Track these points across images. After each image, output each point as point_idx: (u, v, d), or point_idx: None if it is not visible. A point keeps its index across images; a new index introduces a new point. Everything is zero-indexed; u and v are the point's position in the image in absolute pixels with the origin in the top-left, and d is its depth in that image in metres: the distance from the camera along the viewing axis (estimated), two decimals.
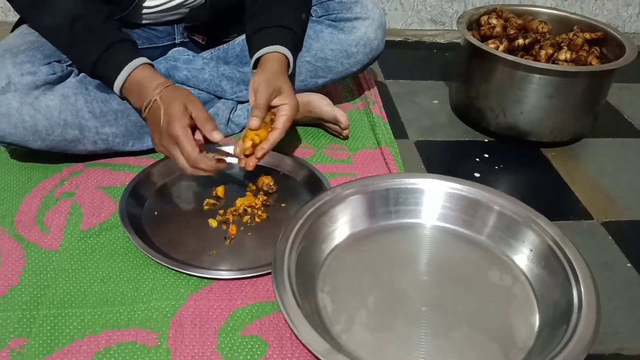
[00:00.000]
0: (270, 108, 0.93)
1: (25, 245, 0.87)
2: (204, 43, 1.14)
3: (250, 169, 0.91)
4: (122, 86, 0.93)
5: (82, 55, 0.94)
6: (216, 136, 0.87)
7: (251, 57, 0.99)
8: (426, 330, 0.76)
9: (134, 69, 0.91)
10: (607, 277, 0.91)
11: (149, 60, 0.94)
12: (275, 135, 0.91)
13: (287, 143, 1.14)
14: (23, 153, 1.04)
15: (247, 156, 0.91)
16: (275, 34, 0.99)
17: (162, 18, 1.08)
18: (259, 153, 0.91)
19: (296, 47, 1.04)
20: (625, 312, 0.85)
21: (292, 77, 1.09)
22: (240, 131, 1.13)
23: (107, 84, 0.95)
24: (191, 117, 0.87)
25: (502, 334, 0.76)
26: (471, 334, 0.76)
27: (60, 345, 0.72)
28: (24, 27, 1.01)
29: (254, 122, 0.90)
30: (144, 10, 1.04)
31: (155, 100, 0.89)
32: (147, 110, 0.91)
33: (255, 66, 0.98)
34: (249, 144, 0.89)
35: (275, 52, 0.96)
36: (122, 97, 0.97)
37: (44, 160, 1.03)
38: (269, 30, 0.99)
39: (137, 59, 0.92)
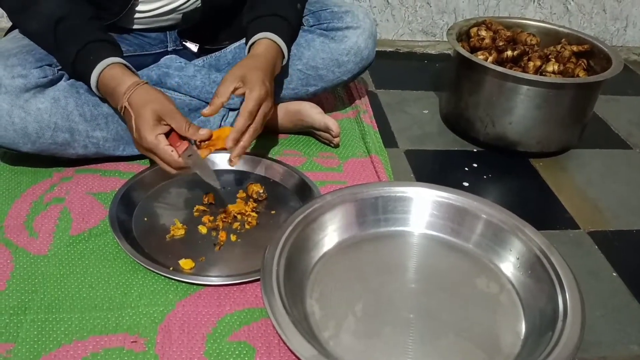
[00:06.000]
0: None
1: (14, 250, 0.86)
2: (196, 50, 1.15)
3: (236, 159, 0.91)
4: (98, 88, 0.92)
5: (63, 56, 0.94)
6: (203, 133, 0.87)
7: (247, 45, 1.01)
8: (413, 337, 0.76)
9: (104, 69, 0.89)
10: (593, 286, 0.92)
11: (120, 60, 0.91)
12: (239, 124, 0.89)
13: (278, 151, 1.15)
14: (13, 157, 1.04)
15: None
16: (270, 21, 1.01)
17: (155, 23, 1.09)
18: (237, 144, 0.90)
19: (290, 36, 1.05)
20: (609, 320, 0.86)
21: (282, 81, 1.11)
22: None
23: (87, 85, 0.94)
24: (166, 123, 0.86)
25: (488, 342, 0.77)
26: (458, 341, 0.77)
27: (47, 350, 0.72)
28: (17, 31, 1.02)
29: (206, 110, 0.90)
30: (137, 15, 1.04)
31: (125, 107, 0.87)
32: (122, 114, 0.90)
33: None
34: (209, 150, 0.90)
35: (265, 39, 0.99)
36: (104, 99, 0.96)
37: (34, 165, 1.03)
38: (264, 18, 1.01)
39: (107, 59, 0.89)
